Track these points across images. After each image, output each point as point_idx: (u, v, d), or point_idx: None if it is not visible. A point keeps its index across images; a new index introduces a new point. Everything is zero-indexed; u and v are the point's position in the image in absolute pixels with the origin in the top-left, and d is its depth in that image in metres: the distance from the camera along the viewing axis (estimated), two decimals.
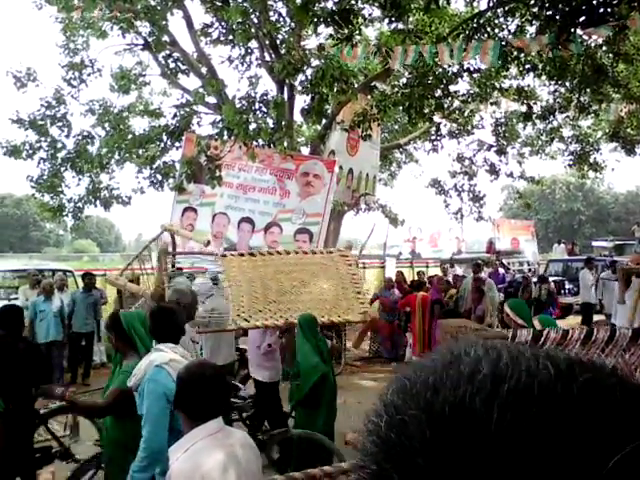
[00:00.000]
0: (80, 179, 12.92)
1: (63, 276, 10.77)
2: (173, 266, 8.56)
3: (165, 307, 4.01)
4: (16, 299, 11.06)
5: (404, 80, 12.09)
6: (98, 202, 12.95)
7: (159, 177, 11.71)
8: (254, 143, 9.94)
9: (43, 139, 12.74)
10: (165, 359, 3.40)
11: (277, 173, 11.01)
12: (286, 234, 10.68)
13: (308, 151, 13.30)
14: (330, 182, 10.87)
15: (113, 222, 74.52)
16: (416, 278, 13.16)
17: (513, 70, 12.57)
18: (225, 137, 9.78)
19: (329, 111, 12.06)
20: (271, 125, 9.68)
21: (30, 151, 12.73)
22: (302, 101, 13.22)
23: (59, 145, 12.74)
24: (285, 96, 11.28)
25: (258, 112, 9.65)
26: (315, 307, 6.00)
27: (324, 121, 12.36)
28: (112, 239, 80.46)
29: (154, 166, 11.71)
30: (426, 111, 11.58)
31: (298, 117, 13.57)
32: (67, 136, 12.81)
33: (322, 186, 10.85)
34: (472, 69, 11.27)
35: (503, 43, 7.75)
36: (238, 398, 6.82)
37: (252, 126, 9.33)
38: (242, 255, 6.84)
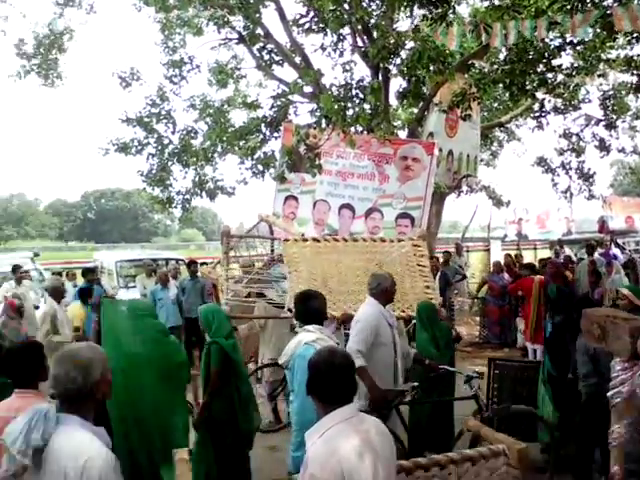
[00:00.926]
0: (186, 172, 13.50)
1: (176, 265, 11.34)
2: (272, 251, 8.82)
3: (308, 292, 4.43)
4: (134, 287, 11.77)
5: (503, 56, 11.62)
6: (204, 193, 13.46)
7: (260, 167, 11.95)
8: (352, 130, 9.93)
9: (150, 135, 13.37)
10: (312, 338, 3.89)
11: (375, 158, 10.94)
12: (387, 219, 10.62)
13: (405, 134, 13.14)
14: (430, 165, 10.67)
15: (216, 212, 77.29)
16: (516, 261, 12.71)
17: (620, 40, 11.78)
18: (323, 125, 9.83)
19: (426, 93, 11.83)
20: (368, 111, 9.63)
21: (139, 147, 13.41)
22: (397, 84, 13.08)
23: (165, 141, 13.34)
24: (380, 80, 11.17)
25: (355, 99, 9.62)
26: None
27: (421, 103, 12.14)
28: (215, 228, 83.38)
29: (255, 157, 11.96)
30: (528, 87, 11.08)
31: (393, 101, 13.46)
32: (172, 132, 13.39)
33: (422, 169, 10.66)
34: (575, 41, 10.65)
35: (608, 12, 7.24)
36: None
37: (350, 112, 9.32)
38: (305, 240, 6.55)
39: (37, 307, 8.85)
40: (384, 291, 4.95)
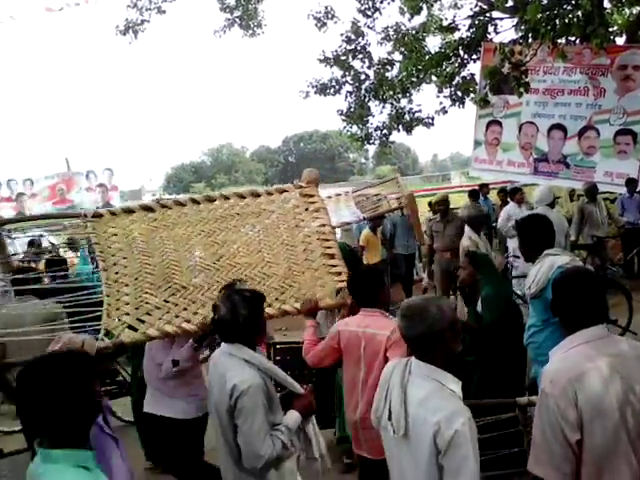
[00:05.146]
0: (383, 107, 13.54)
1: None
2: None
3: (535, 216, 4.25)
4: None
5: None
6: (401, 127, 13.41)
7: (459, 93, 11.56)
8: (561, 41, 9.10)
9: (347, 73, 13.54)
10: (565, 260, 3.64)
11: (589, 71, 9.95)
12: (604, 137, 9.70)
13: (623, 41, 11.72)
14: None
15: (408, 146, 76.94)
16: None
17: None
18: (529, 40, 9.12)
19: None
20: (581, 17, 8.71)
21: (337, 86, 13.68)
22: None
23: (362, 77, 13.43)
24: None
25: (566, 5, 8.74)
26: (260, 289, 3.43)
27: None
28: (409, 162, 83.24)
29: (453, 83, 11.58)
30: None
31: (607, 4, 12.01)
32: (369, 67, 13.42)
33: None
34: None
35: None
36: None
37: (559, 21, 8.51)
38: (130, 212, 4.06)
39: None
40: None
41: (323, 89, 13.70)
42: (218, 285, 3.55)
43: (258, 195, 4.22)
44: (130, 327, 3.34)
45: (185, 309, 3.52)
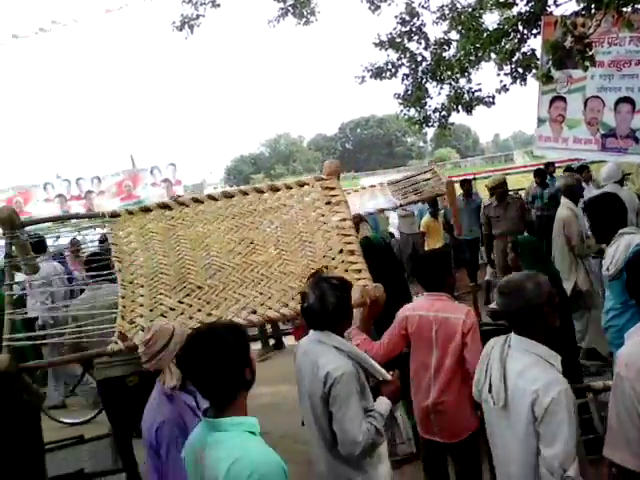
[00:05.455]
0: (441, 88, 13.29)
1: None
2: None
3: (605, 195, 4.21)
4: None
5: None
6: (460, 107, 13.15)
7: (520, 70, 11.23)
8: (627, 10, 8.69)
9: (403, 56, 13.36)
10: None
11: None
12: None
13: None
14: None
15: (469, 126, 75.40)
16: None
17: None
18: (592, 11, 8.77)
19: None
20: None
21: (393, 70, 13.52)
22: None
23: (418, 58, 13.23)
24: None
25: None
26: (272, 289, 3.50)
27: None
28: (469, 143, 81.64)
29: (513, 60, 11.25)
30: None
31: None
32: (425, 48, 13.20)
33: None
34: None
35: None
36: None
37: None
38: (147, 211, 3.98)
39: None
40: None
41: (379, 73, 13.56)
42: (233, 285, 3.49)
43: (277, 189, 4.07)
44: (144, 330, 3.17)
45: (199, 310, 3.41)
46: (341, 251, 3.64)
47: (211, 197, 4.06)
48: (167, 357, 2.77)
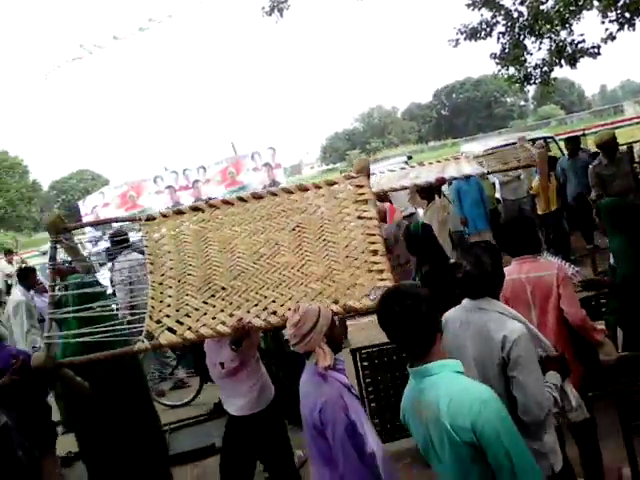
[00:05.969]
0: (541, 43, 12.64)
1: (543, 143, 10.86)
2: None
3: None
4: None
5: None
6: (563, 61, 12.46)
7: (627, 15, 10.46)
8: None
9: (498, 13, 12.81)
10: None
11: None
12: None
13: None
14: None
15: (572, 80, 71.20)
16: None
17: None
18: None
19: None
20: None
21: (487, 29, 13.00)
22: None
23: (515, 15, 12.63)
24: None
25: None
26: (293, 290, 3.46)
27: None
28: (574, 98, 77.19)
29: (619, 5, 10.49)
30: None
31: None
32: (521, 3, 12.57)
33: None
34: None
35: None
36: None
37: None
38: (180, 213, 4.07)
39: None
40: None
41: (473, 34, 13.07)
42: (255, 286, 3.52)
43: (306, 190, 4.00)
44: (169, 329, 3.41)
45: (222, 310, 3.47)
46: (364, 251, 3.56)
47: (241, 199, 4.08)
48: (317, 337, 2.83)
